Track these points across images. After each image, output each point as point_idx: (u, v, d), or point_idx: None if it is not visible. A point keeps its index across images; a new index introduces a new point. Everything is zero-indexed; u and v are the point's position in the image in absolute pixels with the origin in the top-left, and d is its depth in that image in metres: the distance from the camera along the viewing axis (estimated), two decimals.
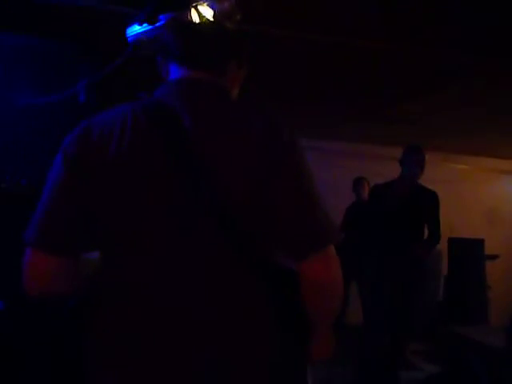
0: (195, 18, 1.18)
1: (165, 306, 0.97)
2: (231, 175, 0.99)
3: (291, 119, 3.91)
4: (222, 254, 0.99)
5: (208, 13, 1.27)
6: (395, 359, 3.30)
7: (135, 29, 1.26)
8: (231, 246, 0.98)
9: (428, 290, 5.30)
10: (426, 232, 3.51)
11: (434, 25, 2.41)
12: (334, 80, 3.48)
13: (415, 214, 3.38)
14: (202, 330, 0.97)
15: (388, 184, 3.51)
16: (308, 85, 3.65)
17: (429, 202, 3.47)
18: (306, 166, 1.05)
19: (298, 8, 2.26)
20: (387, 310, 3.17)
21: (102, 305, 1.02)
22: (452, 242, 5.23)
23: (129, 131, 0.99)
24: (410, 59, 2.89)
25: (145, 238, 0.99)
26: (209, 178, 0.97)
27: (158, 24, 1.19)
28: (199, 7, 1.23)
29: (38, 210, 1.00)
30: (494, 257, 5.58)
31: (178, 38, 1.13)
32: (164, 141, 0.99)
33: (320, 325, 1.12)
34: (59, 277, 1.01)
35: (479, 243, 5.52)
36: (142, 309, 0.98)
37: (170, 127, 1.00)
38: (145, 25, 1.23)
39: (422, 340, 5.06)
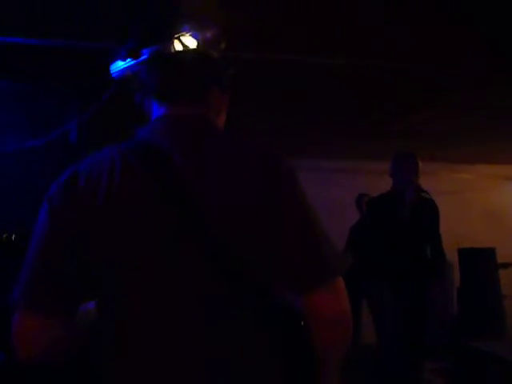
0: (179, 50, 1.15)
1: (152, 348, 0.92)
2: (227, 211, 0.95)
3: (290, 139, 3.90)
4: (215, 290, 0.94)
5: (192, 43, 1.24)
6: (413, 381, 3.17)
7: (119, 64, 1.24)
8: (226, 282, 0.94)
9: (440, 306, 5.20)
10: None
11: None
12: (333, 98, 3.46)
13: (420, 229, 3.20)
14: (190, 369, 0.92)
15: (384, 197, 3.31)
16: (307, 103, 3.64)
17: (430, 214, 3.25)
18: (305, 195, 1.02)
19: (285, 30, 2.25)
20: (399, 334, 3.04)
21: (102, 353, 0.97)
22: (462, 252, 5.15)
23: (118, 175, 0.95)
24: (409, 75, 2.86)
25: (137, 281, 0.94)
26: (204, 217, 0.94)
27: (141, 59, 1.16)
28: (182, 38, 1.21)
29: (24, 267, 0.95)
30: (506, 265, 5.48)
31: (155, 74, 1.09)
32: (156, 183, 0.95)
33: (329, 363, 1.05)
34: (50, 339, 0.95)
35: (491, 252, 5.43)
36: (131, 357, 0.94)
37: (162, 168, 0.97)
38: (128, 60, 1.20)
39: (441, 357, 4.93)
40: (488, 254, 5.37)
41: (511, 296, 5.44)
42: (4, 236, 2.02)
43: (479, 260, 5.28)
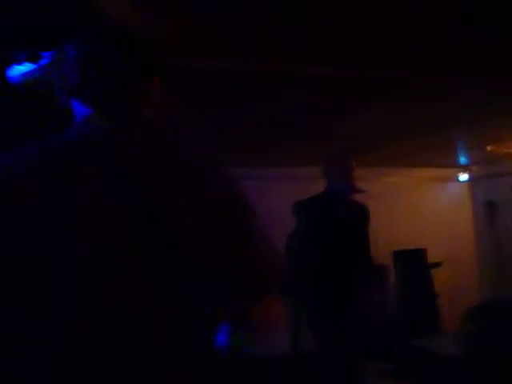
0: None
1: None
2: (174, 214, 0.94)
3: (225, 148, 3.79)
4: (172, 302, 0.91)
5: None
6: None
7: (18, 70, 1.14)
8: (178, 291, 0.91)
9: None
10: None
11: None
12: (264, 104, 3.42)
13: (354, 233, 3.20)
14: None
15: (317, 199, 3.24)
16: (237, 110, 3.59)
17: (362, 218, 3.26)
18: (247, 201, 1.07)
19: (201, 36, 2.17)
20: (335, 339, 2.99)
21: None
22: (397, 255, 5.29)
23: (60, 178, 0.89)
24: (337, 78, 2.87)
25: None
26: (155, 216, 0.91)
27: (42, 62, 1.07)
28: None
29: None
30: (437, 264, 5.70)
31: (73, 74, 1.02)
32: (115, 187, 0.91)
33: None
34: None
35: (422, 253, 5.63)
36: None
37: (109, 167, 0.92)
38: (28, 64, 1.10)
39: (383, 359, 5.01)
40: (420, 254, 5.56)
41: (445, 294, 5.67)
42: None
43: (412, 261, 5.45)
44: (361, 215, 3.26)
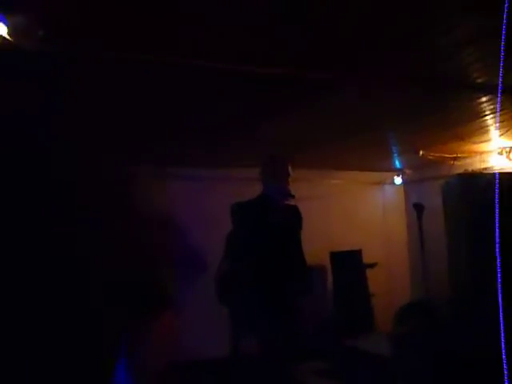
0: None
1: None
2: None
3: (164, 147, 3.66)
4: None
5: (2, 30, 1.04)
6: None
7: None
8: None
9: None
10: None
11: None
12: (201, 104, 3.34)
13: (288, 236, 3.20)
14: None
15: (253, 202, 3.23)
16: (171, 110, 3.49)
17: (295, 222, 3.27)
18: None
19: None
20: (269, 340, 2.99)
21: None
22: (334, 256, 5.37)
23: None
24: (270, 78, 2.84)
25: None
26: None
27: None
28: None
29: None
30: (372, 265, 5.84)
31: None
32: None
33: None
34: None
35: (358, 254, 5.75)
36: None
37: None
38: None
39: (319, 358, 5.07)
40: (356, 255, 5.67)
41: (378, 294, 5.82)
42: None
43: (348, 262, 5.55)
44: (294, 219, 3.27)
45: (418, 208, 3.77)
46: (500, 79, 1.74)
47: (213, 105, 3.34)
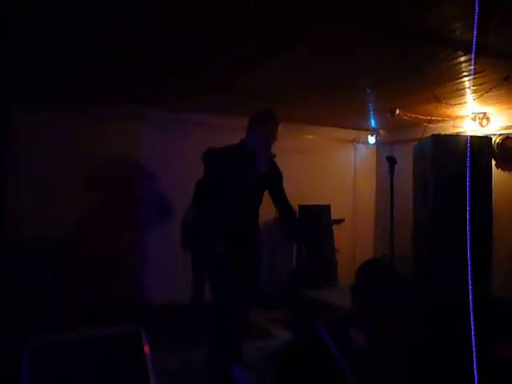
0: None
1: None
2: None
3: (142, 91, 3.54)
4: None
5: None
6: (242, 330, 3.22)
7: None
8: None
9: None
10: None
11: None
12: (179, 44, 3.22)
13: (264, 190, 3.18)
14: None
15: (232, 151, 3.12)
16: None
17: (278, 177, 3.27)
18: None
19: None
20: (231, 289, 3.00)
21: None
22: (302, 209, 5.40)
23: None
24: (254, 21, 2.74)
25: None
26: None
27: None
28: None
29: None
30: (339, 221, 5.94)
31: None
32: None
33: None
34: None
35: (326, 209, 5.82)
36: None
37: None
38: None
39: (279, 307, 5.21)
40: (324, 210, 5.74)
41: (342, 250, 5.95)
42: None
43: (316, 216, 5.61)
44: (274, 174, 3.22)
45: (391, 161, 3.77)
46: (474, 38, 1.71)
47: (189, 46, 3.22)
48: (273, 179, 3.22)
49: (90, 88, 4.41)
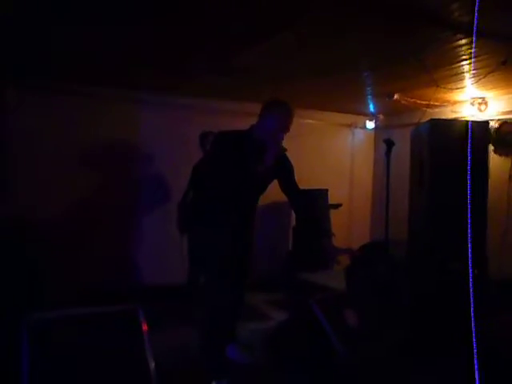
0: None
1: None
2: None
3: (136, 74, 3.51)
4: None
5: None
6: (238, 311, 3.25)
7: None
8: None
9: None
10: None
11: None
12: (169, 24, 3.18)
13: (270, 182, 3.11)
14: None
15: (241, 138, 2.98)
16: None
17: (287, 171, 3.18)
18: None
19: None
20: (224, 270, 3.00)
21: None
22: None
23: None
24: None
25: None
26: None
27: None
28: None
29: None
30: (337, 206, 5.95)
31: None
32: None
33: None
34: None
35: (324, 193, 5.83)
36: None
37: None
38: None
39: (275, 290, 5.25)
40: (321, 194, 5.75)
41: (339, 234, 5.97)
42: None
43: (313, 200, 5.62)
44: (282, 170, 3.12)
45: (388, 143, 3.77)
46: (475, 21, 1.70)
47: (187, 29, 3.19)
48: (281, 172, 3.11)
49: (87, 70, 4.39)
